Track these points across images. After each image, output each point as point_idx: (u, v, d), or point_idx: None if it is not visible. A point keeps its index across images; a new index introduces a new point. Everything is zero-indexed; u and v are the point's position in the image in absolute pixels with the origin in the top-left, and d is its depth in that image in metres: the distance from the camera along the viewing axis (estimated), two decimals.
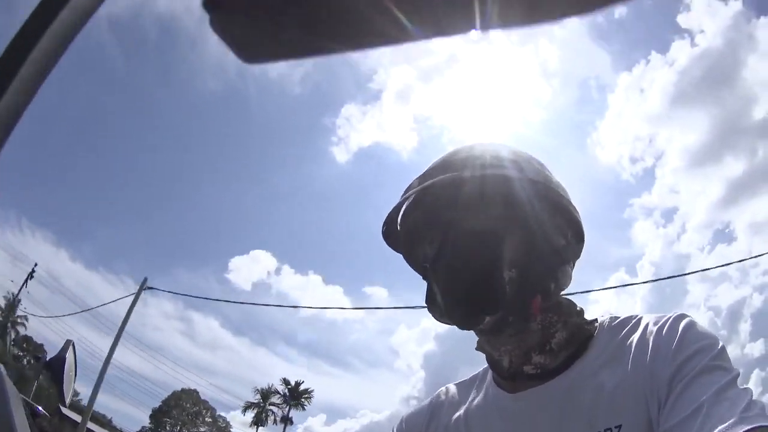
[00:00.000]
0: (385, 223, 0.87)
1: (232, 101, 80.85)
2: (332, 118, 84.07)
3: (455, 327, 0.80)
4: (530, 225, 0.78)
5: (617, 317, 0.81)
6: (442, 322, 0.83)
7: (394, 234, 0.88)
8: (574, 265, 0.84)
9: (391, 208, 0.86)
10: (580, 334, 0.78)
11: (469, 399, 0.87)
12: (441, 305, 0.79)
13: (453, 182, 0.78)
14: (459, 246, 0.78)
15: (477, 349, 0.84)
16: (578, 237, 0.84)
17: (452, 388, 0.93)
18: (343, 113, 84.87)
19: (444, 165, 0.82)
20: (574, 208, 0.83)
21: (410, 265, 0.88)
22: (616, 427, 0.67)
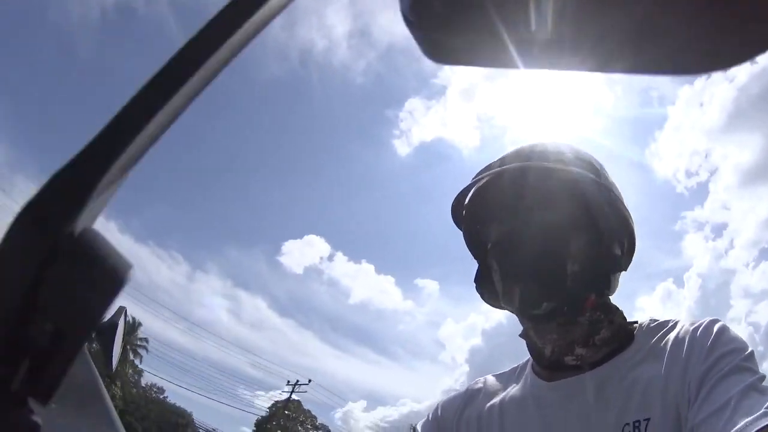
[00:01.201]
0: (456, 198, 0.89)
1: (295, 88, 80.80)
2: (396, 110, 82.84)
3: (503, 313, 0.85)
4: (598, 228, 0.82)
5: (656, 320, 0.85)
6: (490, 304, 0.89)
7: (461, 209, 0.90)
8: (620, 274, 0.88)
9: (461, 188, 0.89)
10: (622, 333, 0.83)
11: (507, 389, 0.91)
12: (500, 286, 0.83)
13: (535, 171, 0.83)
14: (531, 232, 0.82)
15: (521, 335, 0.87)
16: (631, 249, 0.88)
17: (490, 378, 0.96)
18: (406, 106, 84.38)
19: (524, 153, 0.86)
20: (632, 221, 0.88)
21: (469, 242, 0.92)
22: (644, 420, 0.71)
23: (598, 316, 0.82)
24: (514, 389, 0.89)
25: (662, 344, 0.78)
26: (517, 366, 0.95)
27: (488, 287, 0.88)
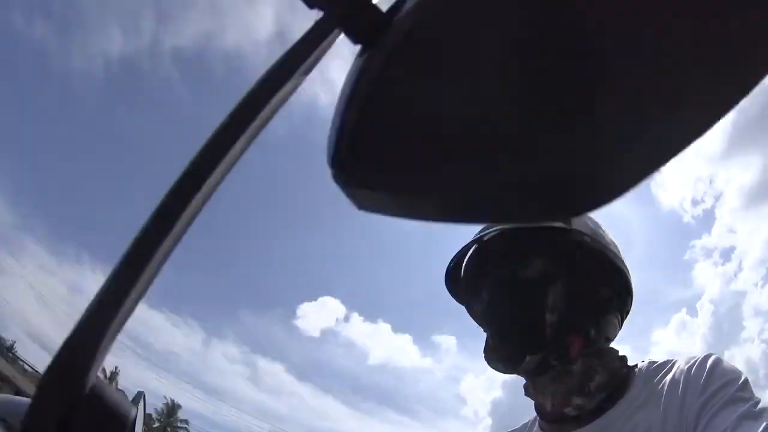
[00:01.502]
0: (446, 279, 0.96)
1: (298, 145, 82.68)
2: None
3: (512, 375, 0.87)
4: (574, 274, 0.85)
5: (655, 362, 0.86)
6: (497, 370, 0.90)
7: (454, 287, 0.96)
8: (622, 317, 0.91)
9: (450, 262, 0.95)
10: (618, 378, 0.84)
11: None
12: (489, 347, 0.86)
13: (501, 236, 0.87)
14: (506, 293, 0.87)
15: (525, 394, 0.90)
16: (626, 290, 0.90)
17: None
18: None
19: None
20: (622, 262, 0.89)
21: (471, 316, 0.96)
22: None
23: (591, 362, 0.84)
24: None
25: (659, 387, 0.79)
26: (527, 422, 0.97)
27: (489, 353, 0.90)
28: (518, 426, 0.98)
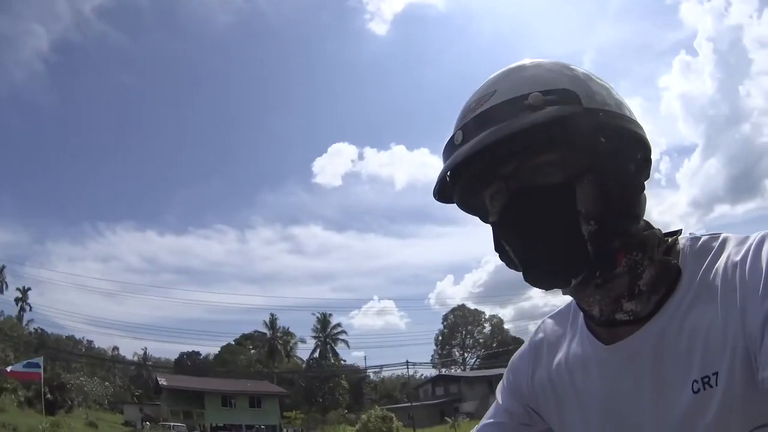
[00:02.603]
0: (438, 180, 0.78)
1: (252, 25, 79.63)
2: None
3: None
4: (598, 165, 0.71)
5: (698, 238, 0.76)
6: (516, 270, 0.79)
7: (447, 188, 0.79)
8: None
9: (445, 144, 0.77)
10: (668, 271, 0.74)
11: (566, 341, 0.85)
12: (519, 268, 0.75)
13: (500, 134, 0.68)
14: (526, 207, 0.71)
15: (563, 293, 0.80)
16: (647, 154, 0.76)
17: (549, 325, 0.91)
18: None
19: (475, 109, 0.73)
20: (637, 124, 0.75)
21: (468, 212, 0.81)
22: (713, 374, 0.66)
23: (635, 257, 0.73)
24: (574, 344, 0.83)
25: (711, 278, 0.69)
26: (569, 307, 0.88)
27: (507, 255, 0.77)
28: (562, 308, 0.90)
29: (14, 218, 67.92)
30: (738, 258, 0.68)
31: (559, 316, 0.90)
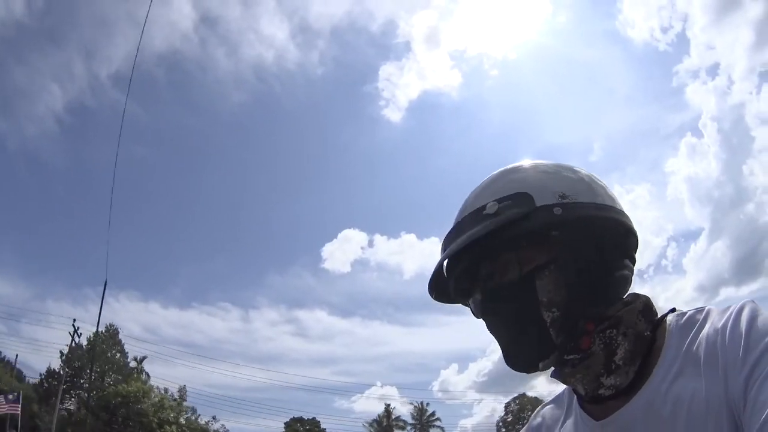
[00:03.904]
0: (429, 289, 0.89)
1: (265, 104, 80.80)
2: (372, 83, 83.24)
3: None
4: (556, 256, 0.77)
5: (684, 314, 0.79)
6: None
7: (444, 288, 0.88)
8: (632, 257, 0.83)
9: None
10: (644, 342, 0.77)
11: (562, 423, 0.89)
12: (503, 356, 0.81)
13: (461, 243, 0.78)
14: (495, 304, 0.80)
15: (551, 376, 0.83)
16: (625, 233, 0.81)
17: (547, 410, 0.95)
18: (381, 75, 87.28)
19: (458, 221, 0.83)
20: (611, 207, 0.80)
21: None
22: None
23: (609, 334, 0.76)
24: (569, 424, 0.87)
25: (695, 348, 0.72)
26: (567, 390, 0.91)
27: (509, 365, 0.84)
28: (557, 395, 0.94)
29: (16, 273, 66.89)
30: (719, 326, 0.71)
31: (556, 400, 0.94)
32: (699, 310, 0.77)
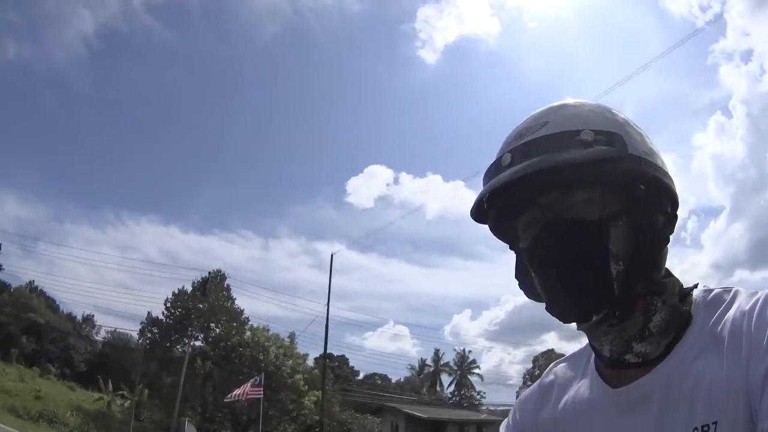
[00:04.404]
0: (475, 203, 0.80)
1: (300, 37, 78.55)
2: (410, 23, 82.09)
3: None
4: (634, 210, 0.73)
5: (711, 291, 0.78)
6: (533, 299, 0.81)
7: (483, 210, 0.81)
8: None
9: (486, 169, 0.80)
10: (678, 317, 0.76)
11: (576, 384, 0.86)
12: (542, 294, 0.78)
13: (549, 163, 0.71)
14: (560, 238, 0.73)
15: (578, 328, 0.80)
16: (675, 208, 0.78)
17: (561, 369, 0.92)
18: (419, 16, 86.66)
19: (522, 140, 0.76)
20: (670, 177, 0.78)
21: (498, 236, 0.84)
22: (713, 423, 0.66)
23: (652, 301, 0.75)
24: (583, 387, 0.84)
25: (720, 329, 0.71)
26: (584, 350, 0.88)
27: (528, 283, 0.80)
28: (575, 352, 0.91)
29: (37, 195, 68.35)
30: (746, 310, 0.70)
31: (572, 359, 0.91)
32: (726, 290, 0.76)
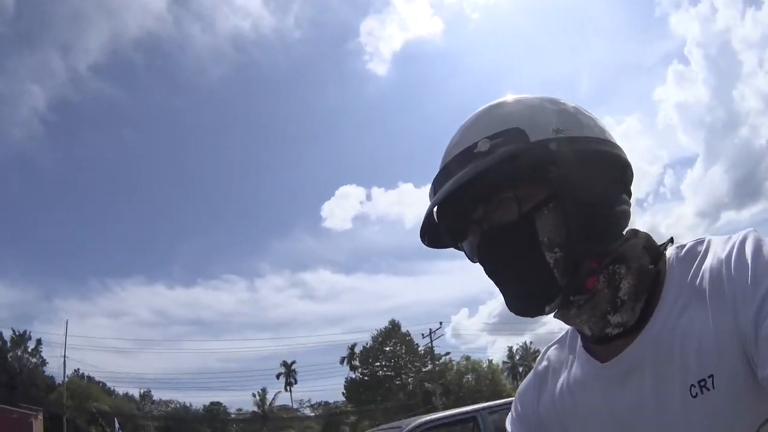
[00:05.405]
0: (421, 236, 0.84)
1: (247, 75, 79.60)
2: (354, 39, 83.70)
3: None
4: (555, 193, 0.72)
5: (683, 246, 0.76)
6: None
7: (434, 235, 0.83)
8: (628, 189, 0.79)
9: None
10: (647, 276, 0.74)
11: (568, 365, 0.86)
12: (506, 303, 0.78)
13: (455, 185, 0.72)
14: (493, 246, 0.75)
15: (554, 316, 0.80)
16: (621, 166, 0.77)
17: (552, 352, 0.92)
18: (362, 30, 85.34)
19: (446, 162, 0.78)
20: (605, 140, 0.76)
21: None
22: (708, 377, 0.65)
23: (614, 269, 0.74)
24: (574, 367, 0.84)
25: (699, 281, 0.70)
26: (567, 334, 0.89)
27: (513, 310, 0.81)
28: (563, 334, 0.90)
29: (19, 278, 68.61)
30: (723, 257, 0.68)
31: (560, 342, 0.91)
32: (699, 242, 0.74)
